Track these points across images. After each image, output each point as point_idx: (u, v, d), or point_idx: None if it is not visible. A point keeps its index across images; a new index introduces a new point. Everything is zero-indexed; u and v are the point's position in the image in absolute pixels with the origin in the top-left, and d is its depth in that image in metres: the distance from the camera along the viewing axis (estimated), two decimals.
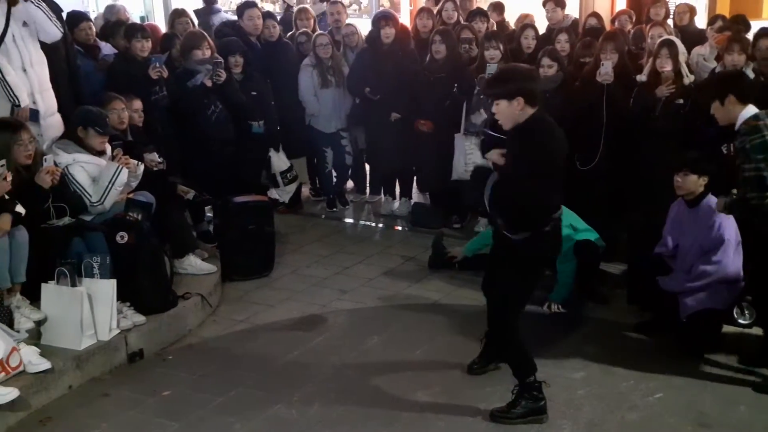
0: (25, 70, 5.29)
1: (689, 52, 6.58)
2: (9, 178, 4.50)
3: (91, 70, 6.55)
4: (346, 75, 7.41)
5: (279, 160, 7.26)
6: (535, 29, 7.13)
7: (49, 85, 5.49)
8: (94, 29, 7.02)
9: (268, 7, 11.29)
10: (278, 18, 8.25)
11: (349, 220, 7.78)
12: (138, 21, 9.11)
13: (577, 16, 8.93)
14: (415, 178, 7.82)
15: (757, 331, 4.87)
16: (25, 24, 5.27)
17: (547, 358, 4.65)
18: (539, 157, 3.82)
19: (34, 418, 4.23)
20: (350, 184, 8.31)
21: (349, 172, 8.02)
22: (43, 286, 4.71)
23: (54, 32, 5.47)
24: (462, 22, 7.64)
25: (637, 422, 4.18)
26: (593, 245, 5.44)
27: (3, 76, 5.12)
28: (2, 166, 4.51)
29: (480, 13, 7.86)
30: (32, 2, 5.30)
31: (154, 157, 5.78)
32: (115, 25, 7.35)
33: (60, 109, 5.58)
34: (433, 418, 4.21)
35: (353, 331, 5.29)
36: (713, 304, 4.78)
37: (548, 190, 3.89)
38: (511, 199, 3.89)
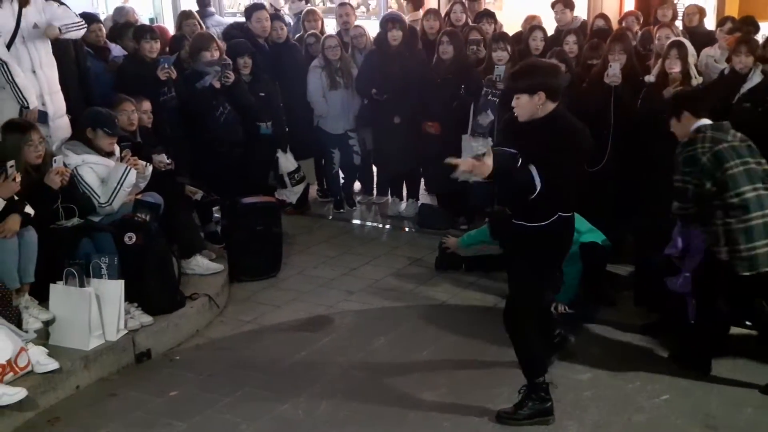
0: (34, 72, 5.32)
1: (698, 54, 6.57)
2: (18, 179, 4.52)
3: (101, 71, 6.59)
4: (354, 77, 7.43)
5: (287, 161, 7.27)
6: (544, 31, 7.12)
7: (59, 86, 5.53)
8: (104, 31, 7.06)
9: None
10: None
11: (357, 221, 7.78)
12: (147, 23, 9.15)
13: (586, 18, 8.90)
14: (422, 179, 7.83)
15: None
16: (35, 26, 5.30)
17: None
18: (559, 148, 3.80)
19: (42, 418, 4.25)
20: (357, 185, 8.32)
21: (357, 173, 8.03)
22: (52, 286, 4.74)
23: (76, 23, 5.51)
24: (470, 23, 7.65)
25: (643, 424, 4.18)
26: (599, 247, 5.43)
27: (12, 78, 5.14)
28: (12, 167, 4.53)
29: (487, 14, 7.86)
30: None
31: (163, 158, 5.80)
32: (123, 27, 7.38)
33: (69, 111, 5.61)
34: (440, 419, 4.21)
35: (360, 331, 5.30)
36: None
37: (565, 182, 3.88)
38: (526, 188, 3.85)
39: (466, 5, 7.96)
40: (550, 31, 7.47)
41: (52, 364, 4.37)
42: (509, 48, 6.65)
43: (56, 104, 5.46)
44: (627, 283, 5.75)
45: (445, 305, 5.70)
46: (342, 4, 8.04)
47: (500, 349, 4.80)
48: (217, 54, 6.57)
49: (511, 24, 8.52)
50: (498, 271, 5.84)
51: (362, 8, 11.35)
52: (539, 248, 4.00)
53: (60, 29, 5.34)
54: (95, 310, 4.66)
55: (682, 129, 4.60)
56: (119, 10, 8.45)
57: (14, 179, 4.50)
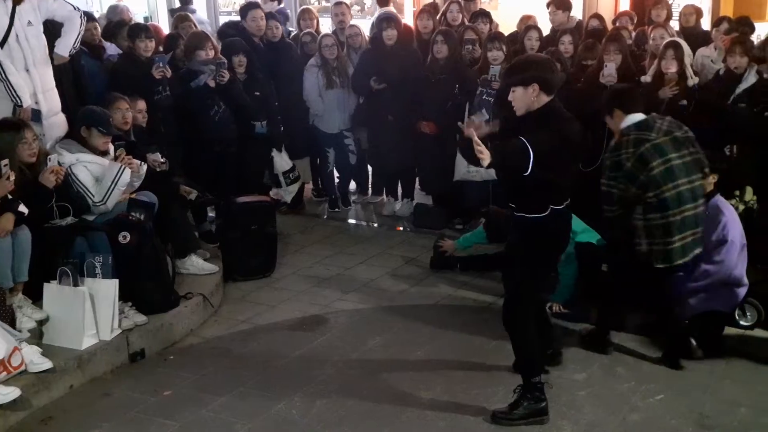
0: (28, 70, 5.29)
1: (694, 54, 6.58)
2: (12, 178, 4.51)
3: (96, 70, 6.56)
4: (350, 76, 7.42)
5: (282, 161, 7.27)
6: (539, 31, 7.12)
7: (53, 85, 5.50)
8: (99, 29, 7.03)
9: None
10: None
11: (352, 221, 7.78)
12: (142, 21, 9.12)
13: (581, 18, 8.90)
14: (417, 179, 7.83)
15: (759, 333, 4.88)
16: (30, 23, 5.28)
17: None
18: (552, 138, 3.83)
19: (36, 417, 4.24)
20: (352, 185, 8.31)
21: (352, 173, 8.02)
22: (46, 285, 4.73)
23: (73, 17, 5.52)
24: (466, 23, 7.65)
25: (638, 423, 4.18)
26: (594, 247, 5.43)
27: (6, 76, 5.12)
28: (5, 165, 4.52)
29: (483, 14, 7.86)
30: None
31: (157, 157, 5.79)
32: (117, 26, 7.36)
33: (64, 109, 5.59)
34: (435, 418, 4.21)
35: (355, 331, 5.29)
36: (715, 306, 4.77)
37: (559, 172, 3.92)
38: (524, 179, 3.87)
39: (462, 5, 7.95)
40: (546, 31, 7.47)
41: (46, 364, 4.36)
42: (504, 48, 6.65)
43: (50, 102, 5.43)
44: None
45: (440, 305, 5.69)
46: (337, 4, 8.02)
47: (495, 349, 4.82)
48: (212, 53, 6.56)
49: (506, 24, 8.54)
50: (492, 271, 5.86)
51: (356, 7, 11.35)
52: (538, 238, 4.04)
53: (70, 52, 5.49)
54: (89, 310, 4.65)
55: (615, 126, 4.69)
56: (113, 9, 8.42)
57: (8, 178, 4.48)
